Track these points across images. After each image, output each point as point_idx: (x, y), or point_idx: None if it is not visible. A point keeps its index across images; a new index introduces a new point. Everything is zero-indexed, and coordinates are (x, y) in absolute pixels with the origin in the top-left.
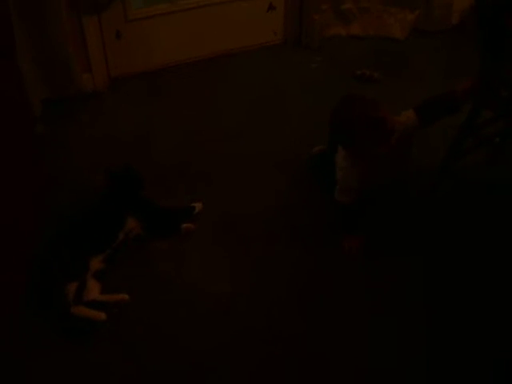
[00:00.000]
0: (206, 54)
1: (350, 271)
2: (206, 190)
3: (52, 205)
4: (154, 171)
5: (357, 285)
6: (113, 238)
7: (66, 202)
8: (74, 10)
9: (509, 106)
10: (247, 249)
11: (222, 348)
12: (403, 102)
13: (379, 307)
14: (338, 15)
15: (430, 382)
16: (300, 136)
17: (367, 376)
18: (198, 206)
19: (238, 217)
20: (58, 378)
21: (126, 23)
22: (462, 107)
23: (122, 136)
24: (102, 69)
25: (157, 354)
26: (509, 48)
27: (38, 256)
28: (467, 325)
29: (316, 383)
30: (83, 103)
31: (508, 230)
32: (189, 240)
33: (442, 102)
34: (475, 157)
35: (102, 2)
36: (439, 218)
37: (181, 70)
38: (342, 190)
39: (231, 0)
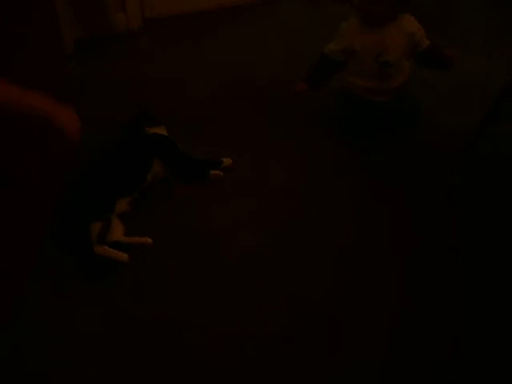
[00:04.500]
0: None
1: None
2: (235, 142)
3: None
4: (184, 116)
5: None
6: (140, 180)
7: (94, 142)
8: None
9: None
10: (275, 204)
11: (241, 299)
12: None
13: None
14: None
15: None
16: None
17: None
18: (227, 160)
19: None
20: (78, 313)
21: None
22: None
23: (153, 77)
24: (136, 9)
25: (174, 300)
26: None
27: (65, 194)
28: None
29: (336, 340)
30: (116, 43)
31: None
32: (216, 189)
33: (442, 57)
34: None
35: None
36: (468, 179)
37: (216, 15)
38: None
39: None
